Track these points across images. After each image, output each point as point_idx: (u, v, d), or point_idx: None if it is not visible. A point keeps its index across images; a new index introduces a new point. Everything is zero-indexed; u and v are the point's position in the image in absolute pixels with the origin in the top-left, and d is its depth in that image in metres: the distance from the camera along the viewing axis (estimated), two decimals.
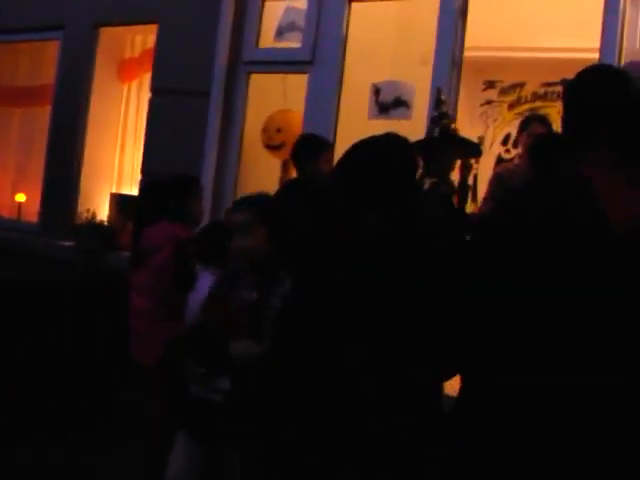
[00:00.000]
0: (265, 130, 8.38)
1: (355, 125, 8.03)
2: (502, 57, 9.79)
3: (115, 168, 9.90)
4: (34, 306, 7.00)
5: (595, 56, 9.40)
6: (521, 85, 10.23)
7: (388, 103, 7.66)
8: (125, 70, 9.87)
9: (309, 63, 7.99)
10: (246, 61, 8.39)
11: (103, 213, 9.47)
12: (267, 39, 8.42)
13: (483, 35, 8.28)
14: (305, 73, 8.06)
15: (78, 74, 9.65)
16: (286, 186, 5.93)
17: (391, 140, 3.67)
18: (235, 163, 8.39)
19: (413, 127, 8.16)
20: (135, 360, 5.87)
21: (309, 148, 6.67)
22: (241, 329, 4.20)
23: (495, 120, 10.40)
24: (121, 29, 9.70)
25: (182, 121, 8.53)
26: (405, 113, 7.64)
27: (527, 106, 10.12)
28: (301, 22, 8.14)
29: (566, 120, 3.04)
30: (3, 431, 6.37)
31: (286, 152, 8.32)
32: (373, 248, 3.35)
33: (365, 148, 3.60)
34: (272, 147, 8.38)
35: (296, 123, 8.21)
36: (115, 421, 6.98)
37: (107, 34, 9.70)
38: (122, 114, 9.94)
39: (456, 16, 7.40)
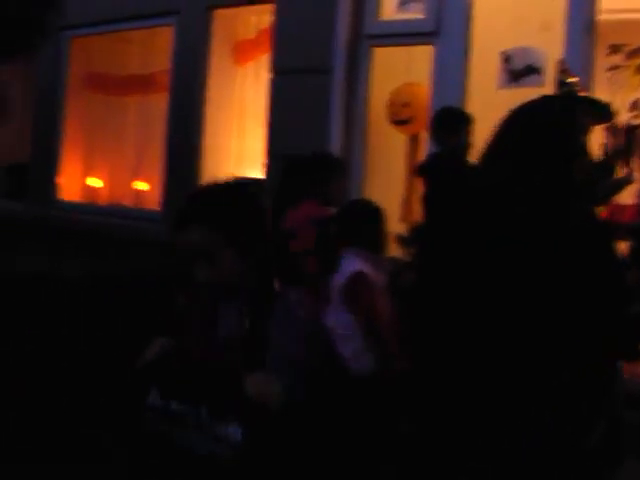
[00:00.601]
0: (391, 105, 8.18)
1: (484, 96, 7.79)
2: (628, 19, 9.40)
3: (235, 151, 9.78)
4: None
5: None
6: None
7: (519, 71, 7.40)
8: (241, 52, 9.74)
9: (434, 34, 7.75)
10: (368, 35, 8.17)
11: None
12: (388, 11, 8.19)
13: None
14: (430, 44, 7.82)
15: (194, 59, 9.55)
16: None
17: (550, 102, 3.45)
18: (361, 140, 8.20)
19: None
20: None
21: (449, 121, 6.48)
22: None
23: (622, 87, 10.00)
24: (235, 10, 9.57)
25: (305, 100, 8.36)
26: (537, 80, 7.37)
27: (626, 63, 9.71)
28: None
29: None
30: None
31: (414, 127, 8.13)
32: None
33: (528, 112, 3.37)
34: (399, 122, 8.18)
35: (423, 97, 7.99)
36: None
37: (221, 16, 9.59)
38: (239, 97, 9.79)
39: None
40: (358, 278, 5.05)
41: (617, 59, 9.97)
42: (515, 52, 7.45)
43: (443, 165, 6.44)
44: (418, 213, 8.00)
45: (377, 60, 8.23)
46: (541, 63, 7.36)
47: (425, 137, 8.06)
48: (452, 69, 7.62)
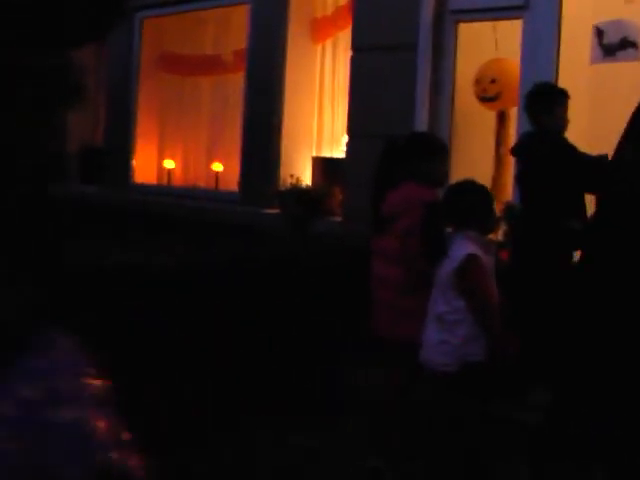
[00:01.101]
0: (478, 81, 8.01)
1: (577, 71, 7.60)
2: None
3: (314, 131, 9.66)
4: (262, 282, 6.72)
5: None
6: None
7: (614, 45, 7.20)
8: (318, 30, 9.60)
9: (522, 8, 7.55)
10: (453, 10, 7.99)
11: (306, 178, 9.25)
12: None
13: None
14: (518, 19, 7.62)
15: (271, 38, 9.44)
16: None
17: None
18: (448, 118, 8.04)
19: None
20: (377, 333, 5.57)
21: (545, 99, 6.31)
22: None
23: None
24: None
25: (388, 77, 8.20)
26: (634, 54, 7.16)
27: None
28: None
29: None
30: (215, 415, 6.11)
31: (502, 103, 7.96)
32: None
33: None
34: (487, 99, 8.00)
35: (512, 72, 7.80)
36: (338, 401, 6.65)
37: None
38: (318, 76, 9.67)
39: None
40: (472, 261, 4.90)
41: None
42: (608, 25, 7.24)
43: (539, 145, 6.27)
44: (508, 192, 7.87)
45: (463, 36, 8.05)
46: (636, 36, 7.15)
47: (514, 114, 7.90)
48: (543, 44, 7.42)
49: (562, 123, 6.29)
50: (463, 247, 4.95)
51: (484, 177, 8.00)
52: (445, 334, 4.88)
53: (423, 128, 7.95)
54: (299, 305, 6.67)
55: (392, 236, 5.37)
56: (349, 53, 8.90)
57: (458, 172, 7.89)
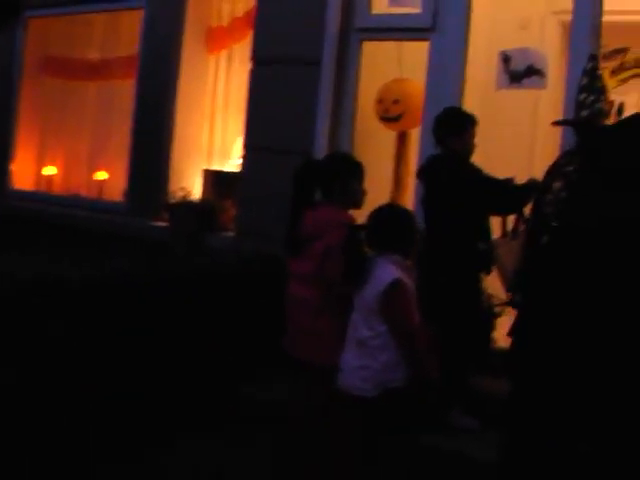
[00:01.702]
0: (381, 101, 7.93)
1: (483, 95, 7.61)
2: (605, 21, 9.30)
3: (205, 143, 9.43)
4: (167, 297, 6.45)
5: None
6: (624, 51, 9.73)
7: (520, 72, 7.20)
8: (213, 40, 9.38)
9: (430, 30, 7.51)
10: (359, 27, 7.89)
11: (197, 191, 9.02)
12: (381, 4, 7.92)
13: None
14: (425, 40, 7.57)
15: (164, 45, 9.18)
16: None
17: None
18: (349, 136, 7.91)
19: (549, 96, 7.76)
20: (293, 354, 5.41)
21: (454, 123, 6.28)
22: None
23: None
24: None
25: (289, 92, 8.05)
26: (540, 82, 7.19)
27: (630, 72, 9.62)
28: None
29: None
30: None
31: (404, 124, 7.91)
32: None
33: None
34: (389, 119, 7.93)
35: (416, 93, 7.76)
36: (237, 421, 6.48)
37: (194, 1, 9.22)
38: (212, 86, 9.46)
39: None
40: (398, 286, 4.79)
41: None
42: (515, 52, 7.25)
43: (445, 168, 6.23)
44: None
45: (367, 54, 7.95)
46: (542, 65, 7.18)
47: (415, 135, 7.85)
48: (449, 67, 7.37)
49: (469, 148, 6.28)
50: (388, 271, 4.84)
51: (382, 198, 7.94)
52: (366, 359, 4.77)
53: (323, 145, 7.83)
54: (206, 320, 6.48)
55: (309, 257, 5.22)
56: (244, 65, 8.74)
57: None
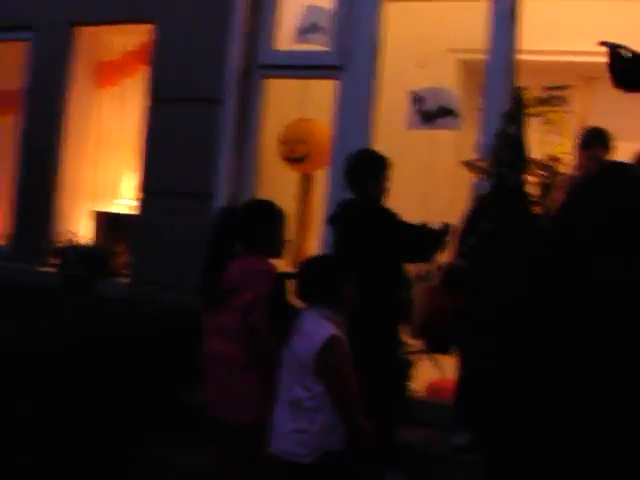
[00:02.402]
0: (286, 142, 7.63)
1: (394, 136, 7.37)
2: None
3: (92, 183, 8.94)
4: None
5: (595, 59, 8.98)
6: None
7: (432, 112, 7.00)
8: (103, 74, 8.92)
9: (337, 68, 7.27)
10: (262, 64, 7.59)
11: (84, 233, 8.52)
12: (285, 41, 7.63)
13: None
14: (332, 79, 7.32)
15: (51, 79, 8.67)
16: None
17: None
18: (252, 177, 7.59)
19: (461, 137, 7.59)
20: (211, 412, 5.05)
21: (367, 166, 6.01)
22: None
23: None
24: (98, 29, 8.78)
25: (189, 132, 7.69)
26: (453, 122, 7.01)
27: (530, 110, 9.56)
28: (324, 23, 7.41)
29: None
30: None
31: (309, 165, 7.65)
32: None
33: None
34: (293, 160, 7.64)
35: (321, 134, 7.51)
36: None
37: (83, 34, 8.75)
38: (101, 124, 8.98)
39: (507, 17, 6.81)
40: (335, 343, 4.47)
41: None
42: (426, 92, 7.06)
43: (362, 214, 5.94)
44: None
45: (270, 92, 7.66)
46: (454, 105, 7.00)
47: (320, 176, 7.58)
48: (358, 106, 7.17)
49: (384, 191, 6.02)
50: (322, 327, 4.51)
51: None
52: (302, 422, 4.42)
53: (225, 189, 7.50)
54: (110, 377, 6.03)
55: (233, 310, 4.87)
56: (136, 101, 8.34)
57: None
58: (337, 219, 6.13)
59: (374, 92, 7.20)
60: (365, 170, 5.99)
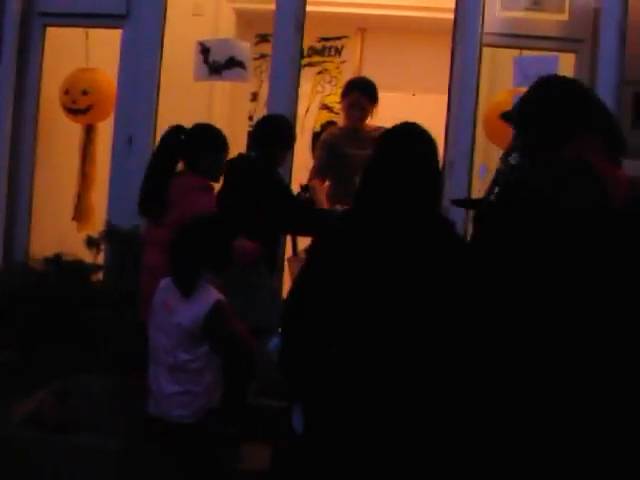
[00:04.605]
0: (67, 92, 7.40)
1: (180, 87, 7.35)
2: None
3: None
4: None
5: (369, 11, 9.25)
6: None
7: (220, 63, 6.99)
8: None
9: (123, 17, 7.14)
10: (41, 12, 7.34)
11: None
12: None
13: None
14: (117, 28, 7.17)
15: None
16: None
17: None
18: (32, 128, 7.37)
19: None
20: (141, 319, 5.11)
21: (279, 133, 6.03)
22: None
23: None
24: None
25: None
26: (241, 74, 7.03)
27: (305, 61, 9.67)
28: None
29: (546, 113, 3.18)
30: None
31: (92, 116, 7.52)
32: None
33: None
34: (76, 111, 7.41)
35: (106, 84, 7.34)
36: None
37: None
38: None
39: None
40: (223, 308, 4.62)
41: (265, 48, 9.85)
42: (214, 43, 7.04)
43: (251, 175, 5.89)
44: (92, 212, 7.45)
45: (52, 41, 7.42)
46: (243, 56, 7.02)
47: (104, 128, 7.45)
48: (144, 56, 7.07)
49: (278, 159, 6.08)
50: (205, 293, 4.64)
51: (69, 194, 7.50)
52: (186, 384, 4.55)
53: (5, 137, 7.23)
54: None
55: (168, 224, 5.11)
56: None
57: (42, 186, 7.37)
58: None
59: (158, 42, 7.11)
60: (276, 138, 5.99)
